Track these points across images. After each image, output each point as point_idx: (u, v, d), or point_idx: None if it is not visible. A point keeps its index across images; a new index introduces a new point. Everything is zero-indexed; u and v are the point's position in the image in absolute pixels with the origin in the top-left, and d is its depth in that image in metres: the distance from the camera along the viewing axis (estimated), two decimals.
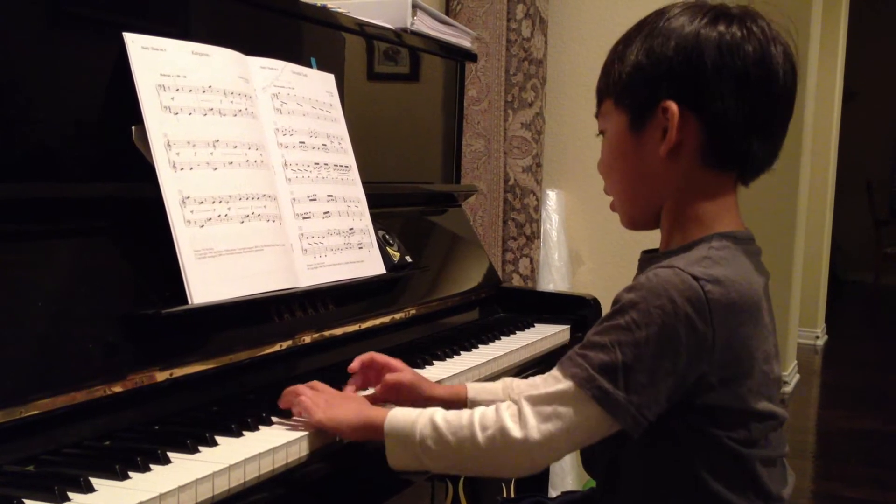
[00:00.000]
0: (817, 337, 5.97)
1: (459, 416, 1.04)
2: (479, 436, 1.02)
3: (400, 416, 1.08)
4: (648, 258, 1.12)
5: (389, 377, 1.25)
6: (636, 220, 1.16)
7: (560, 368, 1.01)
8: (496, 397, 1.26)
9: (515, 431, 1.00)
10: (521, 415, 1.01)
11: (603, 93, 1.13)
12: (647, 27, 1.07)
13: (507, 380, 1.30)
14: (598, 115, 1.15)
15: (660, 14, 1.08)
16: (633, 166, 1.10)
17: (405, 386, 1.24)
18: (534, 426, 0.99)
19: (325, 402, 1.13)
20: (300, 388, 1.15)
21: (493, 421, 1.02)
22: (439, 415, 1.06)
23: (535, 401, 1.01)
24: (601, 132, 1.15)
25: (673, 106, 1.04)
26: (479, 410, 1.04)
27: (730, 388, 1.01)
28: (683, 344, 0.97)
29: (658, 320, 0.97)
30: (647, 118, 1.07)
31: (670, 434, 1.03)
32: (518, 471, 1.08)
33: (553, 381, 1.01)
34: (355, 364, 1.27)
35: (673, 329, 0.97)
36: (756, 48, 1.03)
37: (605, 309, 1.98)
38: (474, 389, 1.28)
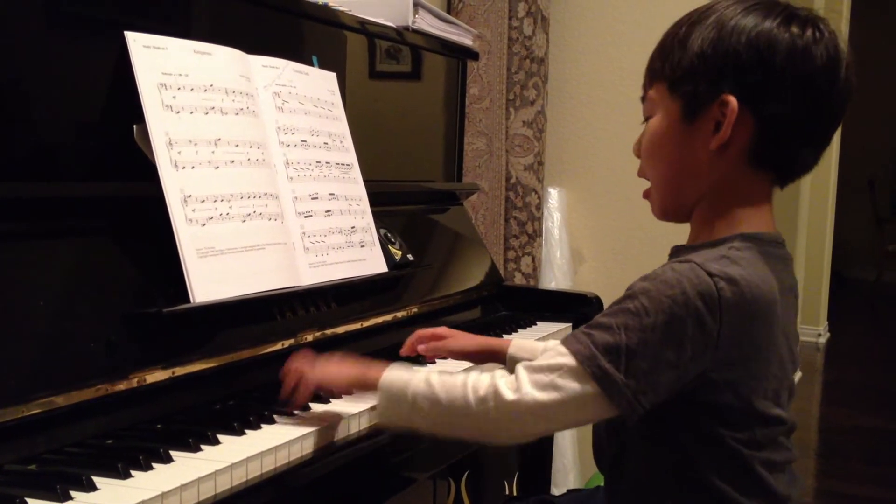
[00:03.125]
0: (819, 334, 5.96)
1: (454, 377, 1.05)
2: (471, 396, 1.02)
3: (396, 372, 1.09)
4: (677, 251, 1.11)
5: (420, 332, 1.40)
6: (669, 211, 1.14)
7: (564, 343, 1.01)
8: (533, 357, 1.27)
9: (508, 395, 1.00)
10: (517, 380, 1.01)
11: (656, 76, 1.10)
12: (714, 17, 1.04)
13: (553, 342, 1.36)
14: (644, 98, 1.13)
15: (727, 6, 1.05)
16: (678, 156, 1.08)
17: (428, 337, 1.39)
18: (528, 392, 0.99)
19: (320, 363, 1.16)
20: (289, 361, 1.17)
21: (487, 384, 1.02)
22: (435, 374, 1.06)
23: (534, 370, 1.01)
24: (647, 118, 1.12)
25: (733, 101, 1.02)
26: (473, 374, 1.04)
27: (734, 389, 1.00)
28: (689, 337, 0.96)
29: (667, 309, 0.96)
30: (701, 109, 1.05)
31: (674, 431, 1.03)
32: (506, 436, 1.08)
33: (555, 355, 1.01)
34: (405, 350, 1.42)
35: (681, 320, 0.96)
36: (824, 55, 1.02)
37: (607, 306, 1.98)
38: (516, 346, 1.37)
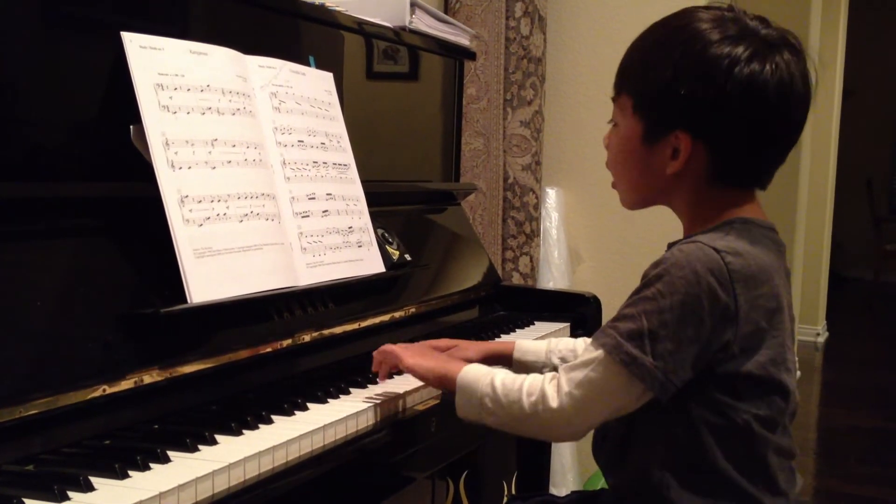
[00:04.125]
0: (818, 334, 5.97)
1: (514, 381, 1.12)
2: (525, 402, 1.09)
3: (471, 372, 1.18)
4: (671, 247, 1.14)
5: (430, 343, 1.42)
6: (635, 206, 1.21)
7: (593, 340, 1.07)
8: (538, 359, 1.42)
9: (553, 400, 1.07)
10: (558, 384, 1.08)
11: (624, 87, 1.14)
12: (681, 46, 1.07)
13: (554, 340, 1.45)
14: (614, 100, 1.17)
15: (697, 30, 1.07)
16: (640, 171, 1.14)
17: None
18: (568, 393, 1.06)
19: (414, 351, 1.28)
20: (387, 346, 1.30)
21: (538, 389, 1.09)
22: (499, 377, 1.14)
23: (571, 369, 1.08)
24: (614, 122, 1.17)
25: (686, 139, 1.07)
26: (529, 378, 1.12)
27: (750, 357, 1.04)
28: (706, 312, 1.01)
29: (682, 289, 1.01)
30: (659, 136, 1.10)
31: (689, 408, 1.05)
32: (559, 436, 1.19)
33: (587, 352, 1.07)
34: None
35: (696, 298, 1.01)
36: (779, 89, 1.05)
37: (605, 306, 1.99)
38: (520, 350, 1.43)
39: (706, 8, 1.10)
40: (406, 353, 1.27)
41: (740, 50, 1.04)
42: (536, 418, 1.09)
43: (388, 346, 1.30)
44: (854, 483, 3.38)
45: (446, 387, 1.21)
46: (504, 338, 1.72)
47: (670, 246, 1.14)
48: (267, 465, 1.02)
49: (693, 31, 1.07)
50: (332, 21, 1.65)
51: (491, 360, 1.45)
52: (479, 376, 1.16)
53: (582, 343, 1.42)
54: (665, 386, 1.02)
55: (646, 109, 1.11)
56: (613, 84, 1.16)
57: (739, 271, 1.02)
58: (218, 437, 1.04)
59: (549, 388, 1.08)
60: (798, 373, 5.05)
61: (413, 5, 1.85)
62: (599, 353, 1.05)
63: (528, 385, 1.10)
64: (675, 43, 1.08)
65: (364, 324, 1.52)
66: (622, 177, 1.18)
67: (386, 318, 1.58)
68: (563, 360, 1.40)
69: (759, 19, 1.09)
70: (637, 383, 1.03)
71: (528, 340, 1.46)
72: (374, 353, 1.31)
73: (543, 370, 1.41)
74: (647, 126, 1.11)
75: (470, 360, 1.42)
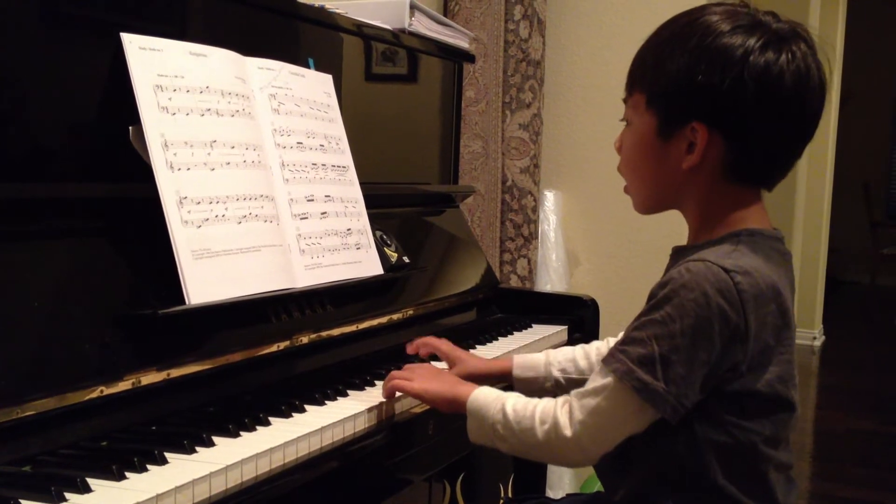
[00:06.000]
0: (814, 338, 5.97)
1: (525, 407, 1.11)
2: (539, 430, 1.08)
3: (481, 397, 1.17)
4: (679, 251, 1.14)
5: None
6: (649, 209, 1.19)
7: (603, 364, 1.06)
8: (538, 374, 1.40)
9: (567, 429, 1.06)
10: (570, 411, 1.07)
11: (636, 84, 1.13)
12: (696, 37, 1.06)
13: (552, 352, 1.43)
14: (625, 100, 1.16)
15: (710, 22, 1.07)
16: (654, 169, 1.13)
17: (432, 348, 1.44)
18: (580, 421, 1.05)
19: (421, 376, 1.26)
20: (394, 373, 1.27)
21: (551, 417, 1.08)
22: (510, 403, 1.13)
23: (582, 395, 1.07)
24: (627, 121, 1.16)
25: (703, 129, 1.06)
26: (541, 404, 1.10)
27: (758, 375, 1.04)
28: (717, 334, 1.00)
29: (692, 313, 1.00)
30: (675, 130, 1.09)
31: (693, 425, 1.05)
32: (573, 463, 1.18)
33: (597, 377, 1.06)
34: (411, 348, 1.47)
35: (707, 321, 1.00)
36: (796, 78, 1.05)
37: (603, 309, 1.99)
38: (519, 367, 1.41)
39: (718, 3, 1.10)
40: (412, 379, 1.25)
41: (753, 40, 1.04)
42: (549, 446, 1.08)
43: (394, 376, 1.26)
44: (850, 486, 3.38)
45: (456, 411, 1.20)
46: (502, 340, 1.72)
47: (675, 251, 1.14)
48: (264, 468, 1.02)
49: (706, 23, 1.07)
50: (331, 23, 1.65)
51: (490, 377, 1.42)
52: (489, 402, 1.15)
53: (581, 351, 1.41)
54: (676, 410, 1.01)
55: (660, 102, 1.09)
56: (625, 85, 1.15)
57: (749, 291, 1.01)
58: (215, 439, 1.04)
59: (561, 416, 1.07)
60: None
61: (412, 8, 1.85)
62: (610, 379, 1.04)
63: (540, 412, 1.09)
64: (690, 35, 1.07)
65: (362, 326, 1.52)
66: (636, 177, 1.16)
67: (384, 320, 1.58)
68: (564, 371, 1.39)
69: (771, 14, 1.09)
70: (649, 408, 1.02)
71: (526, 355, 1.44)
72: (383, 384, 1.27)
73: (545, 384, 1.40)
74: (662, 120, 1.09)
75: (472, 375, 1.40)
